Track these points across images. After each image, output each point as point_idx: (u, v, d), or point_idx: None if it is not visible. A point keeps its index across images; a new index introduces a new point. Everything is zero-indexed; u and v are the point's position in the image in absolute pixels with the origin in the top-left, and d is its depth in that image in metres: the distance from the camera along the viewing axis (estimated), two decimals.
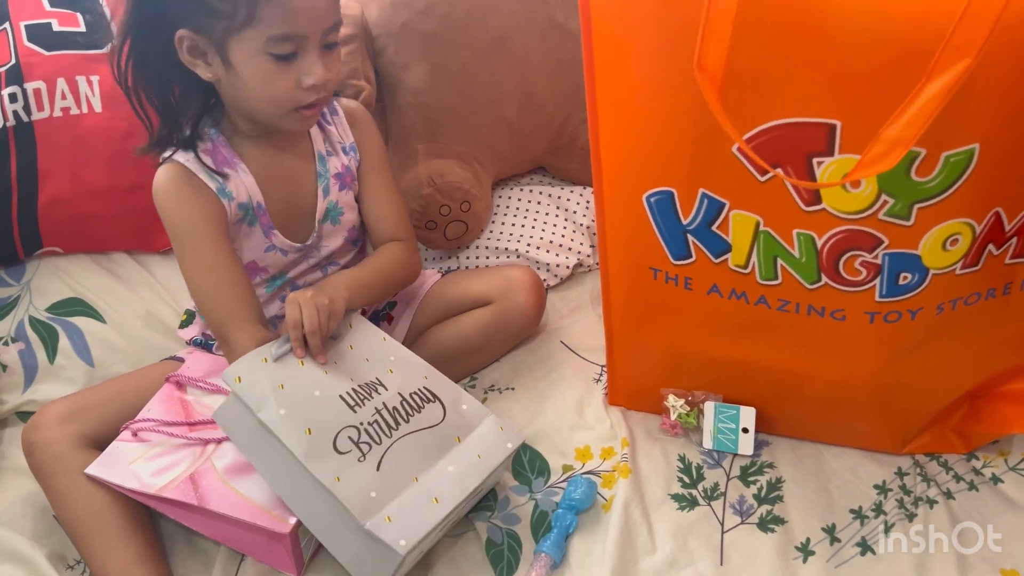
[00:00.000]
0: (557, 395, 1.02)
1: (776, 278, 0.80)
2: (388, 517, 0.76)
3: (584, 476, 0.90)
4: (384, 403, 0.83)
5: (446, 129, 1.16)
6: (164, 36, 0.82)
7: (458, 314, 1.05)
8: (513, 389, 1.04)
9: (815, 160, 0.70)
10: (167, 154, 0.89)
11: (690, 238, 0.81)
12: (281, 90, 0.84)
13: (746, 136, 0.70)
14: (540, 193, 1.25)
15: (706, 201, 0.78)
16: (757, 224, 0.77)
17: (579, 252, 1.20)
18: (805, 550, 0.85)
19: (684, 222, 0.80)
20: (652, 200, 0.80)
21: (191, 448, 0.87)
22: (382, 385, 0.85)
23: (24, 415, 1.06)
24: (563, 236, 1.20)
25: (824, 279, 0.78)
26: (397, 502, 0.77)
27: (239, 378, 0.79)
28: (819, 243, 0.76)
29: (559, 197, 1.24)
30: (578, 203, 1.24)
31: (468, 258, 1.20)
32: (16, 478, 0.97)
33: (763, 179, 0.74)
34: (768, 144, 0.70)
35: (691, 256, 0.82)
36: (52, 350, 1.08)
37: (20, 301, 1.11)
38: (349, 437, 0.79)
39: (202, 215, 0.87)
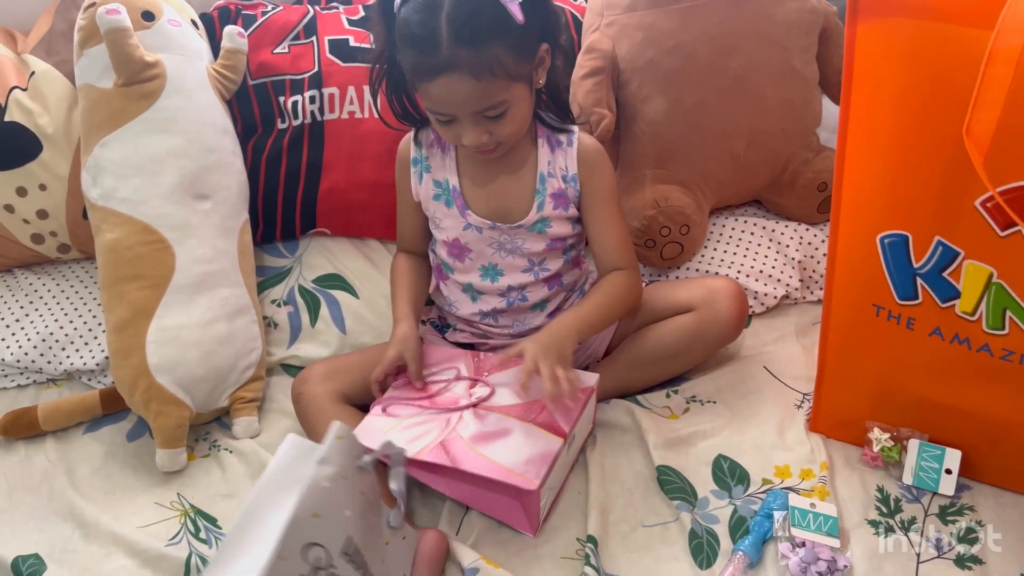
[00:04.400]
0: (758, 415, 1.08)
1: (1003, 328, 0.83)
2: None
3: (783, 490, 0.96)
4: None
5: (675, 158, 1.25)
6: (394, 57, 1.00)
7: (661, 320, 1.12)
8: (715, 403, 1.11)
9: None
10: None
11: (919, 281, 0.86)
12: (448, 137, 1.03)
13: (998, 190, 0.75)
14: (754, 225, 1.30)
15: (941, 248, 0.82)
16: (990, 275, 0.81)
17: (787, 284, 1.25)
18: None
19: (915, 265, 0.85)
20: (886, 241, 0.86)
21: (436, 421, 0.99)
22: None
23: (286, 367, 1.25)
24: (773, 267, 1.26)
25: None
26: None
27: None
28: None
29: (772, 230, 1.29)
30: (791, 238, 1.28)
31: (678, 278, 1.27)
32: (280, 418, 1.16)
33: (1003, 234, 0.78)
34: (1017, 201, 0.74)
35: (917, 298, 0.87)
36: (314, 315, 1.26)
37: (292, 271, 1.30)
38: None
39: (400, 172, 1.14)
